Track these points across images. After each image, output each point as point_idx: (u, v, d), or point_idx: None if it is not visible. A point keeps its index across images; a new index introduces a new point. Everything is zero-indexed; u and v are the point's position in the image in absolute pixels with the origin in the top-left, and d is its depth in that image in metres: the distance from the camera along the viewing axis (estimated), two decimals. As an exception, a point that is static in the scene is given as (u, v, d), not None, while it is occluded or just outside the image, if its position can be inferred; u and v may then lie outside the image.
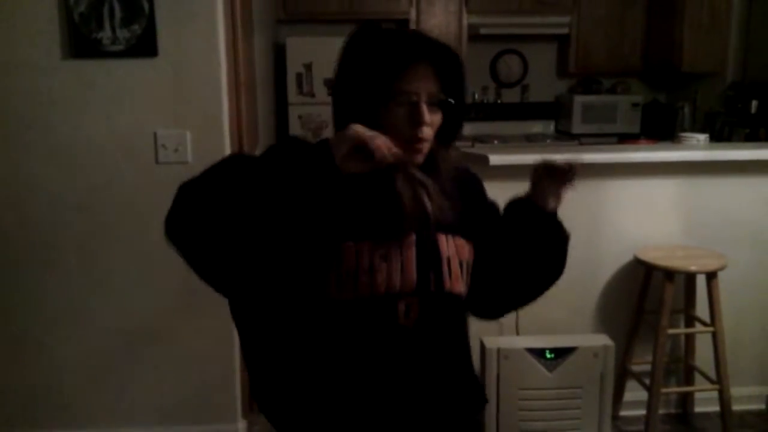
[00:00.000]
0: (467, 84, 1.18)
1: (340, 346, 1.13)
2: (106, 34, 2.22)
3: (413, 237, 1.14)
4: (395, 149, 1.00)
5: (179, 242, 1.02)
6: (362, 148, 0.98)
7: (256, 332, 1.19)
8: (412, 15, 4.84)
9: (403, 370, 1.14)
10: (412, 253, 1.13)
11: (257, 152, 1.22)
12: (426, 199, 1.09)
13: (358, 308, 1.10)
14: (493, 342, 2.50)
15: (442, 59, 1.13)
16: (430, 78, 1.11)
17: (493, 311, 1.36)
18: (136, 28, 2.22)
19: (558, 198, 1.23)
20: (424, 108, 1.10)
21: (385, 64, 1.10)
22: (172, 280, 2.23)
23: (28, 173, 2.31)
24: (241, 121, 2.66)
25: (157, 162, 2.33)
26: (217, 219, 0.97)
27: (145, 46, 2.23)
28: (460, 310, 1.23)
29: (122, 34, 2.22)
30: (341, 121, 1.14)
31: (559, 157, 1.21)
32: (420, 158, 1.13)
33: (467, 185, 1.29)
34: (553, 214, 1.24)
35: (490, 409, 2.47)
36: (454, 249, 1.18)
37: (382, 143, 0.98)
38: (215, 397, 2.51)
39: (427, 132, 1.11)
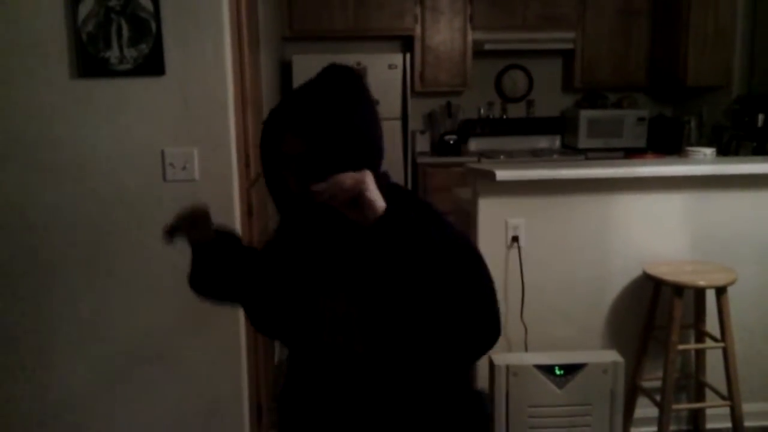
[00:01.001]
0: (335, 128, 1.14)
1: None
2: (113, 54, 2.24)
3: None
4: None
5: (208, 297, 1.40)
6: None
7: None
8: (417, 31, 4.86)
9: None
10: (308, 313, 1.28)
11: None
12: None
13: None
14: (501, 359, 2.49)
15: (297, 124, 1.16)
16: (296, 143, 1.16)
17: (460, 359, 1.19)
18: (144, 47, 2.23)
19: (364, 209, 1.03)
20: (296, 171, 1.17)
21: (264, 151, 1.25)
22: (179, 298, 2.22)
23: (35, 191, 2.32)
24: (248, 138, 2.68)
25: (164, 180, 2.33)
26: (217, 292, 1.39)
27: (152, 65, 2.24)
28: (360, 364, 1.22)
29: (130, 53, 2.24)
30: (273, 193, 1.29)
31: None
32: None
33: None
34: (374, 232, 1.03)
35: (500, 426, 2.45)
36: (329, 304, 1.24)
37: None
38: (223, 415, 2.49)
39: (320, 185, 1.05)
